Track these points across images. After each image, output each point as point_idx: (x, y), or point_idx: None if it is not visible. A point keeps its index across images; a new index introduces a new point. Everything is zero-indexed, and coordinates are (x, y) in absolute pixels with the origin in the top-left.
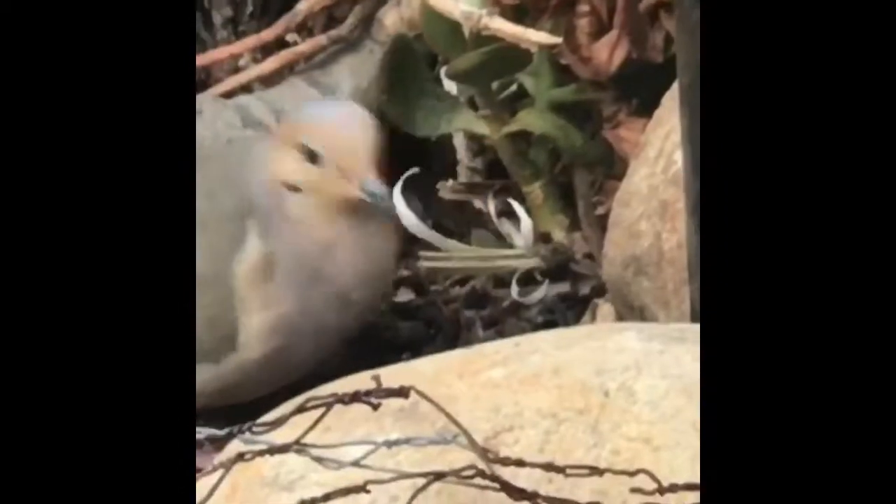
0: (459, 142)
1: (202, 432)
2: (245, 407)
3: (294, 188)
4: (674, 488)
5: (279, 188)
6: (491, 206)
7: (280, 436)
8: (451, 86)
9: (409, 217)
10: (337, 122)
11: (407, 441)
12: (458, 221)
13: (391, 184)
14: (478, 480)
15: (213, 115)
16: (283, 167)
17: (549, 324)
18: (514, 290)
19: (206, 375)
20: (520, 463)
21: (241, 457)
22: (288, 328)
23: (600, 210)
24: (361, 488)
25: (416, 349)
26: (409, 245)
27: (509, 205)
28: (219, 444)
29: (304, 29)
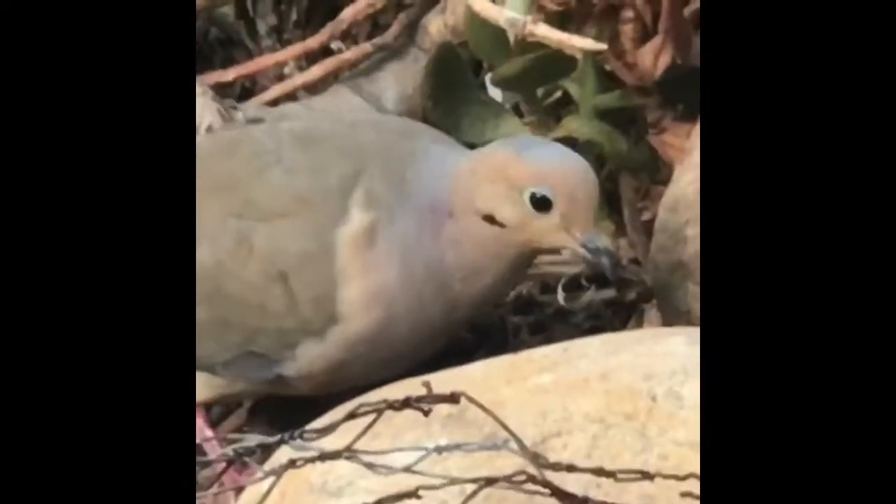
0: None
1: (252, 439)
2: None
3: (497, 223)
4: None
5: (460, 210)
6: None
7: (329, 442)
8: (496, 92)
9: None
10: (567, 170)
11: (457, 446)
12: None
13: None
14: (529, 486)
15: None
16: (494, 203)
17: (596, 329)
18: (561, 295)
19: (313, 353)
20: (571, 468)
21: (292, 463)
22: (387, 298)
23: (646, 215)
24: (413, 493)
25: (463, 355)
26: None
27: None
28: (268, 451)
29: (349, 37)
